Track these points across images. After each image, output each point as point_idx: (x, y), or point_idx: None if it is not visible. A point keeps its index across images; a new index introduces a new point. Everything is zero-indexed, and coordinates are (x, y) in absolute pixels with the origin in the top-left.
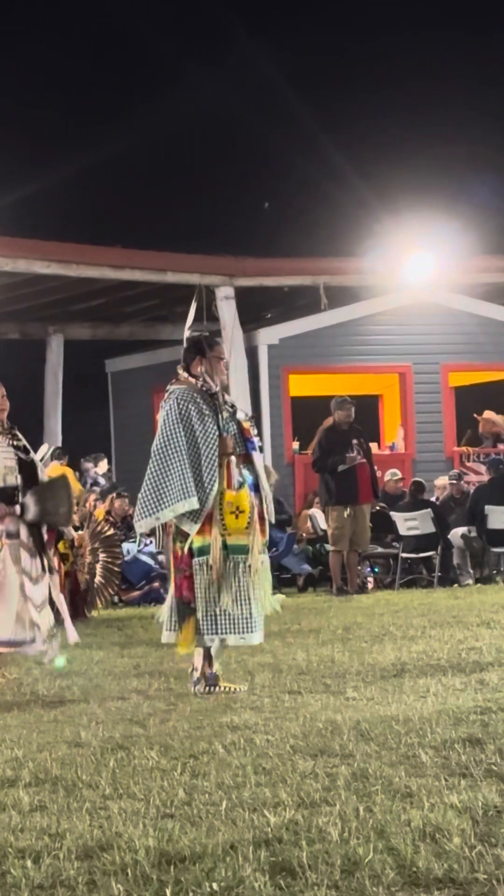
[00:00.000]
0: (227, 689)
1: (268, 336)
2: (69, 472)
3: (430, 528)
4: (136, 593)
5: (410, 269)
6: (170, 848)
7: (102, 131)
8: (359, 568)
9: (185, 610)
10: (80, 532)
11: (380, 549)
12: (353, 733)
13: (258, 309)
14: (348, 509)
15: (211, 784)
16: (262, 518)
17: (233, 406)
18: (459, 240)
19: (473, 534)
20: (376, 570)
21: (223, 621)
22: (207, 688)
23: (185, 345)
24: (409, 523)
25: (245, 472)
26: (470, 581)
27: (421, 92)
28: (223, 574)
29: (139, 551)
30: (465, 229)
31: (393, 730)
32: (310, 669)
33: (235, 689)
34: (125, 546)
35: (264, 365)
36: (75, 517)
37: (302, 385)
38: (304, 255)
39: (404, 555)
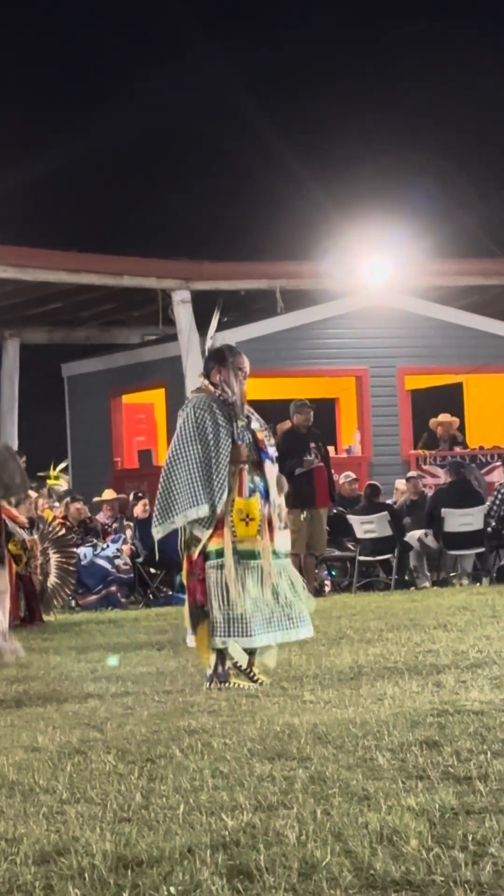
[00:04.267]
0: (236, 685)
1: (225, 340)
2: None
3: (386, 531)
4: (92, 597)
5: (366, 273)
6: (127, 852)
7: (57, 135)
8: (315, 571)
9: (198, 614)
10: (31, 537)
11: (337, 553)
12: (311, 736)
13: (214, 313)
14: (305, 513)
15: (168, 788)
16: (270, 525)
17: (248, 416)
18: (415, 244)
19: (430, 537)
20: (333, 573)
21: (235, 624)
22: (219, 685)
23: (207, 355)
24: (366, 526)
25: (257, 479)
26: (427, 584)
27: (376, 97)
28: (234, 578)
29: (96, 555)
30: (420, 233)
31: (350, 733)
32: (266, 673)
33: (244, 686)
34: (82, 550)
35: None
36: (24, 518)
37: (259, 388)
38: (261, 258)
39: (361, 558)
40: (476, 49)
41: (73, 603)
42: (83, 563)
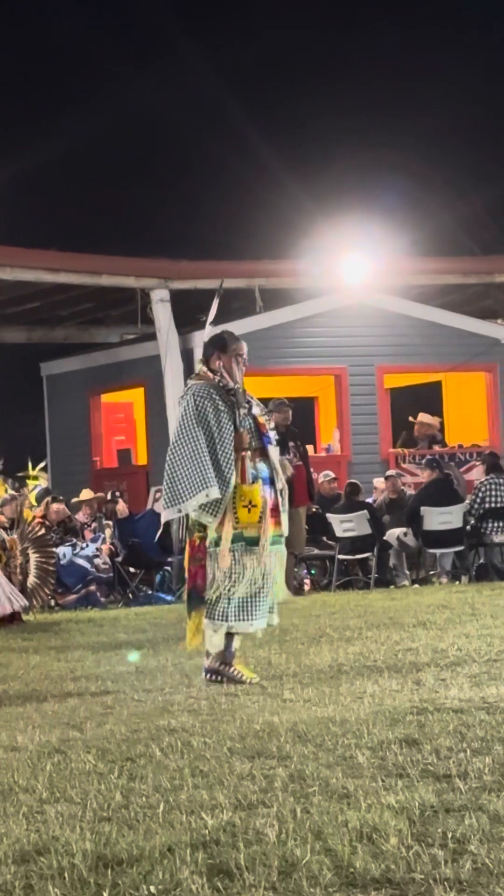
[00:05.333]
0: (237, 673)
1: (204, 338)
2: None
3: (366, 529)
4: (72, 597)
5: (345, 272)
6: (107, 851)
7: (35, 134)
8: (295, 570)
9: (196, 600)
10: (10, 536)
11: (316, 551)
12: (290, 735)
13: (193, 311)
14: None
15: (148, 787)
16: (275, 510)
17: (249, 401)
18: (394, 242)
19: (409, 535)
20: (313, 571)
21: (232, 609)
22: (218, 669)
23: (206, 340)
24: (345, 525)
25: (260, 465)
26: (406, 582)
27: (355, 95)
28: (233, 564)
29: (75, 555)
30: (399, 232)
31: (330, 731)
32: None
33: (248, 678)
34: (61, 550)
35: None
36: (4, 519)
37: None
38: (240, 257)
39: (340, 556)
40: (455, 46)
41: (52, 602)
42: (62, 562)
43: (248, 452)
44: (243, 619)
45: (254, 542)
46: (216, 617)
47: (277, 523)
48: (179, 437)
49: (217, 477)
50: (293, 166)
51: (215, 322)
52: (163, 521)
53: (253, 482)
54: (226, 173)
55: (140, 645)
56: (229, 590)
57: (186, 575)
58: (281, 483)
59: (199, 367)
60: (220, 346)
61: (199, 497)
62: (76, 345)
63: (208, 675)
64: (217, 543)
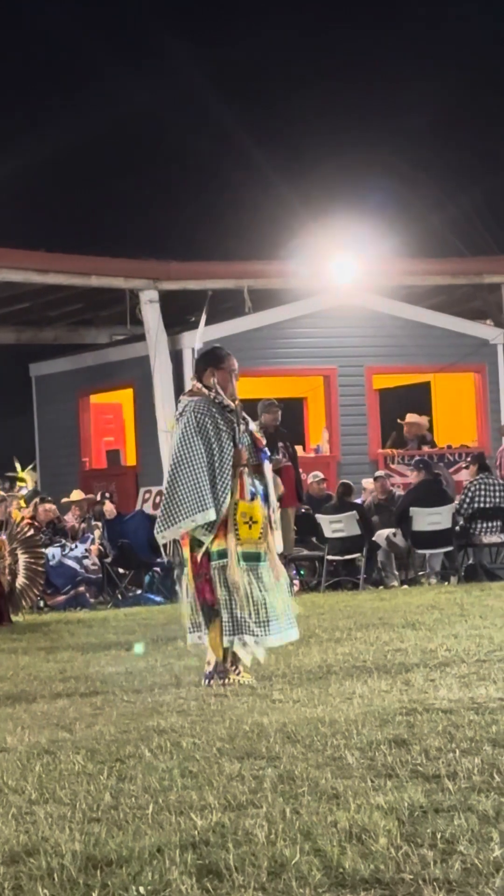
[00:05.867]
0: (236, 681)
1: (192, 339)
2: None
3: (355, 530)
4: (61, 598)
5: (334, 273)
6: (96, 852)
7: (23, 134)
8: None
9: (210, 612)
10: (0, 537)
11: (305, 552)
12: (280, 735)
13: (182, 312)
14: None
15: (137, 788)
16: (270, 526)
17: (245, 417)
18: (383, 243)
19: (399, 536)
20: (302, 572)
21: (242, 624)
22: (220, 682)
23: (196, 355)
24: (335, 525)
25: (256, 482)
26: (395, 583)
27: (345, 95)
28: (239, 579)
29: (64, 556)
30: (388, 233)
31: (319, 732)
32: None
33: (245, 680)
34: (50, 551)
35: (189, 368)
36: None
37: None
38: (228, 258)
39: (330, 557)
40: (443, 46)
41: (41, 603)
42: (52, 563)
43: (247, 469)
44: (251, 633)
45: (253, 559)
46: (228, 631)
47: (273, 538)
48: (181, 456)
49: (213, 498)
50: (283, 167)
51: (208, 323)
52: (160, 542)
53: (252, 499)
54: (215, 174)
55: (130, 646)
56: (236, 604)
57: (192, 592)
58: (273, 501)
59: (192, 382)
60: (215, 361)
61: (198, 517)
62: (65, 346)
63: (207, 681)
64: (219, 556)
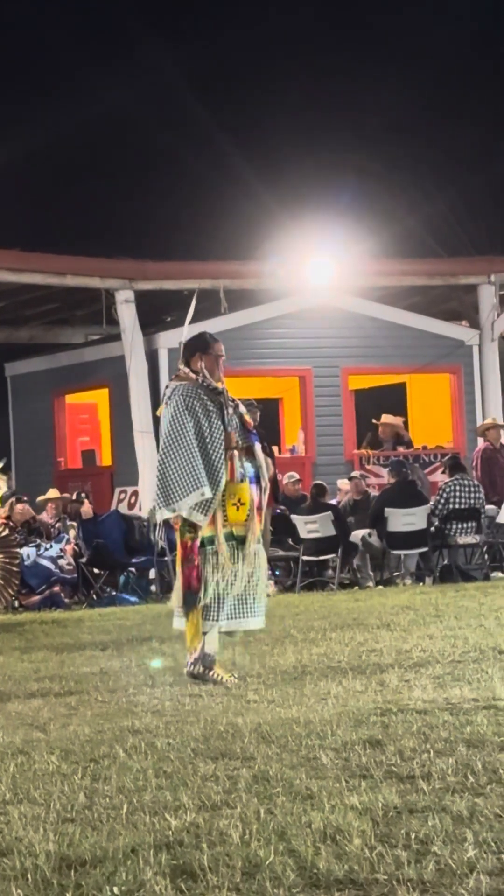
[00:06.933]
0: (219, 676)
1: (168, 339)
2: None
3: (330, 530)
4: (36, 598)
5: (310, 273)
6: (70, 852)
7: None
8: None
9: (192, 600)
10: None
11: (280, 553)
12: (254, 736)
13: (158, 312)
14: None
15: (112, 788)
16: (259, 509)
17: (234, 400)
18: (359, 243)
19: (374, 537)
20: (277, 573)
21: (227, 607)
22: (204, 670)
23: (184, 341)
24: (310, 526)
25: (247, 464)
26: (370, 583)
27: (320, 96)
28: (226, 562)
29: (39, 555)
30: (364, 233)
31: (294, 732)
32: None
33: (227, 679)
34: (25, 550)
35: (164, 368)
36: None
37: None
38: (205, 258)
39: (305, 558)
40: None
41: (16, 603)
42: (26, 563)
43: (237, 451)
44: (235, 618)
45: (242, 541)
46: (210, 617)
47: (260, 520)
48: (171, 438)
49: (208, 476)
50: (258, 167)
51: (183, 323)
52: (158, 521)
53: (241, 480)
54: (191, 174)
55: (105, 646)
56: (224, 590)
57: (180, 576)
58: (265, 482)
59: (180, 366)
60: (202, 347)
61: (193, 496)
62: (41, 345)
63: (190, 671)
64: (209, 542)
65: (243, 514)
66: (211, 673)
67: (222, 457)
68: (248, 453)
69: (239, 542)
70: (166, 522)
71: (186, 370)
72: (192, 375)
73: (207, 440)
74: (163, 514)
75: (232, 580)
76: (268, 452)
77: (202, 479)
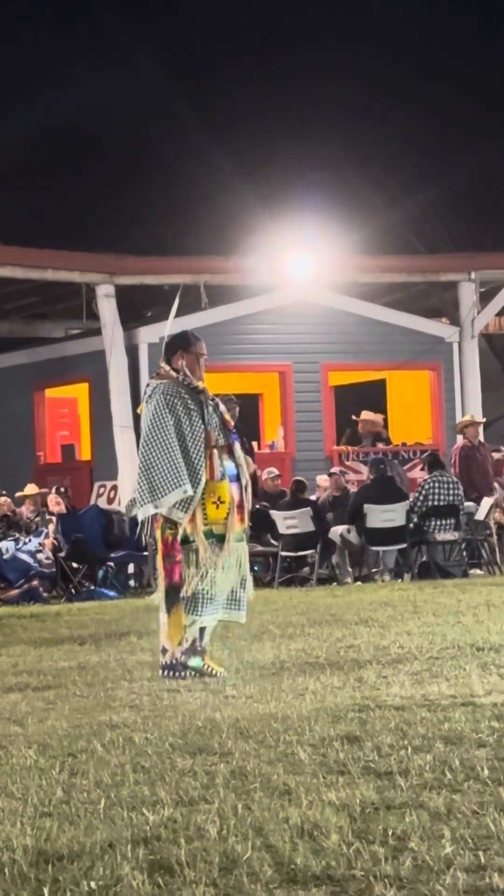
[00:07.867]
0: (209, 669)
1: (148, 334)
2: None
3: (309, 526)
4: (14, 592)
5: (291, 269)
6: (48, 847)
7: None
8: None
9: (174, 596)
10: None
11: (259, 548)
12: (232, 731)
13: (138, 307)
14: None
15: (89, 783)
16: (241, 506)
17: (213, 398)
18: (339, 240)
19: (352, 533)
20: (256, 568)
21: (208, 603)
22: (184, 663)
23: (167, 339)
24: (289, 522)
25: (227, 462)
26: (349, 579)
27: (301, 91)
28: (206, 559)
29: (18, 550)
30: (344, 229)
31: (271, 728)
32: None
33: (219, 670)
34: (4, 544)
35: (145, 363)
36: None
37: None
38: (185, 253)
39: (284, 553)
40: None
41: None
42: (5, 557)
43: (217, 450)
44: (211, 613)
45: (221, 539)
46: (192, 611)
47: (242, 520)
48: (151, 436)
49: (189, 474)
50: (239, 163)
51: (164, 318)
52: (140, 519)
53: (221, 479)
54: (172, 169)
55: (83, 640)
56: (205, 587)
57: (162, 573)
58: (245, 479)
59: (161, 364)
60: (184, 345)
61: (175, 493)
62: (20, 339)
63: (165, 672)
64: (189, 540)
65: (223, 513)
66: (203, 665)
67: (203, 455)
68: (228, 452)
69: (218, 539)
70: (152, 518)
71: (168, 368)
72: (173, 374)
73: (188, 438)
74: (147, 511)
75: (213, 577)
76: (248, 448)
77: (183, 477)
